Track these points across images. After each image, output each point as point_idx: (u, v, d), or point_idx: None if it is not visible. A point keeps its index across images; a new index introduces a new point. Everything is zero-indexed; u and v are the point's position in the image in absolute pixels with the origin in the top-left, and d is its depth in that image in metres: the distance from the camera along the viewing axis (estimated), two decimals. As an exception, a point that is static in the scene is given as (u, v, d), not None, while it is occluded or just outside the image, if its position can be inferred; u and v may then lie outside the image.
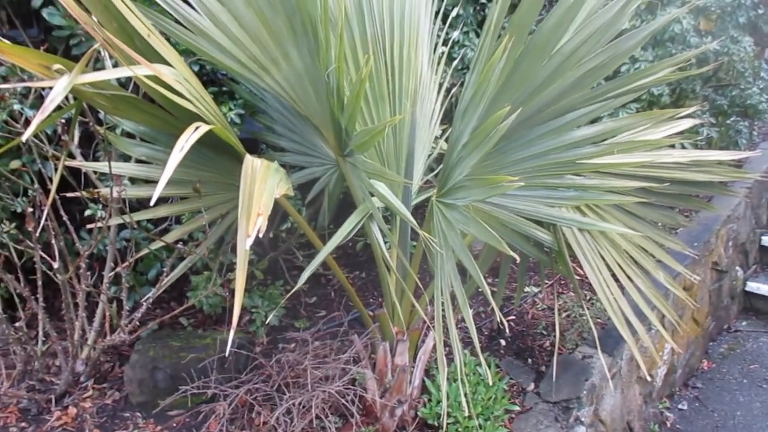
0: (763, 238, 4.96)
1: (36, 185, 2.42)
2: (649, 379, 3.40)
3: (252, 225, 1.65)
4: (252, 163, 1.92)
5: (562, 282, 3.65)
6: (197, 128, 1.70)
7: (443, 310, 2.14)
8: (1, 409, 2.63)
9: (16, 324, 2.51)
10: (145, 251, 2.56)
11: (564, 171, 2.27)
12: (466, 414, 2.51)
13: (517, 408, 2.68)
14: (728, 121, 4.53)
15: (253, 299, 2.99)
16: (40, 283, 2.61)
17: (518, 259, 2.43)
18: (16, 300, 2.58)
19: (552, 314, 3.34)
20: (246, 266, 1.73)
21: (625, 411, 3.26)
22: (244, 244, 1.63)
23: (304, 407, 2.24)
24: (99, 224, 2.41)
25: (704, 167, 2.76)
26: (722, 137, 4.50)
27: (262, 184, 1.82)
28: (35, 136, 2.52)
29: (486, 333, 3.21)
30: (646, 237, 2.74)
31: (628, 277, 2.68)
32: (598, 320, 3.25)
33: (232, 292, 2.97)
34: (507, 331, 3.20)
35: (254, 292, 3.03)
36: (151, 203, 1.69)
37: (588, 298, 3.38)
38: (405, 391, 2.57)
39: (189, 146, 1.66)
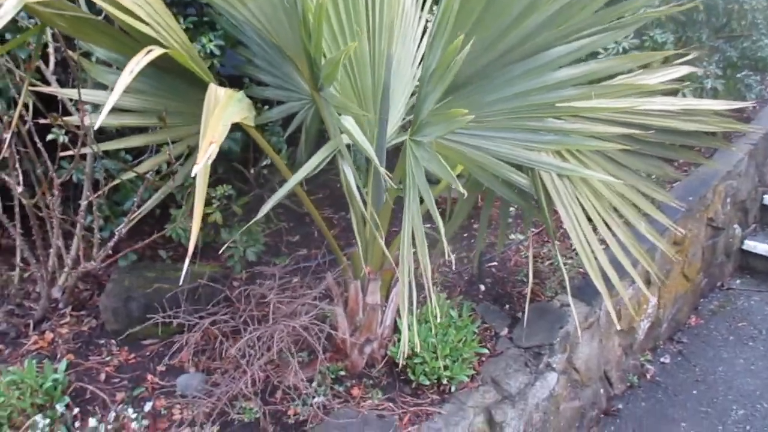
0: (765, 196, 4.85)
1: (11, 111, 2.41)
2: (622, 330, 3.38)
3: (203, 152, 1.63)
4: (215, 91, 1.88)
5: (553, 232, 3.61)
6: (149, 51, 1.66)
7: (413, 250, 2.12)
8: (-20, 332, 2.68)
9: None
10: (117, 181, 2.55)
11: (544, 114, 2.21)
12: (435, 355, 2.52)
13: (486, 351, 2.69)
14: (738, 75, 4.38)
15: (233, 234, 2.99)
16: (17, 209, 2.63)
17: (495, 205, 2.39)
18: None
19: (535, 262, 3.32)
20: (204, 194, 1.71)
21: (602, 361, 3.26)
22: (198, 171, 1.61)
23: (266, 341, 2.25)
24: (70, 152, 2.40)
25: (696, 116, 2.67)
26: (729, 91, 4.35)
27: (221, 113, 1.78)
28: (10, 60, 2.48)
29: (466, 278, 3.20)
30: (631, 187, 2.68)
31: (608, 228, 2.64)
32: (580, 270, 3.22)
33: (211, 227, 2.97)
34: (485, 277, 3.18)
35: (234, 228, 3.03)
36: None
37: (572, 247, 3.35)
38: (375, 330, 2.58)
39: (139, 69, 1.62)
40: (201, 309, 2.56)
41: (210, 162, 1.64)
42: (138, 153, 2.80)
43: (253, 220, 2.09)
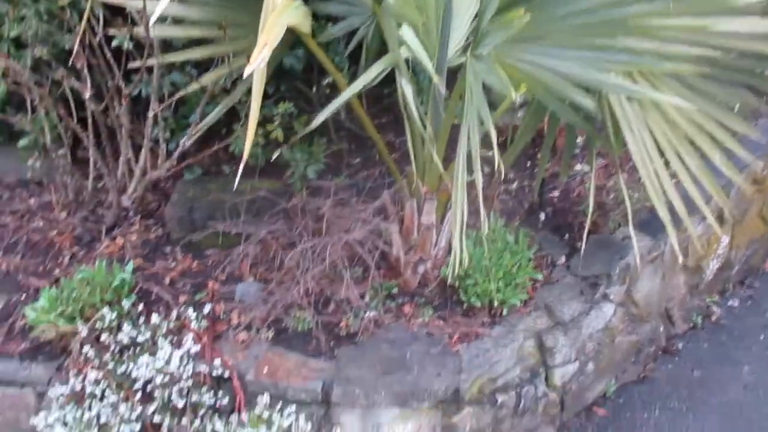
0: None
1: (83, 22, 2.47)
2: (688, 268, 3.26)
3: (258, 52, 1.63)
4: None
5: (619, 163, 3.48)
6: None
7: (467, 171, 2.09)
8: (59, 235, 2.85)
9: (60, 152, 2.66)
10: (181, 93, 2.60)
11: (615, 31, 2.10)
12: (488, 278, 2.51)
13: (541, 277, 2.66)
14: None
15: (294, 153, 3.02)
16: (90, 120, 2.74)
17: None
18: (63, 136, 2.72)
19: (600, 194, 3.21)
20: (259, 98, 1.74)
21: (664, 298, 3.17)
22: (253, 71, 1.62)
23: (320, 252, 2.30)
24: (138, 63, 2.46)
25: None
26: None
27: (277, 17, 1.77)
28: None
29: (526, 206, 3.14)
30: (707, 116, 2.52)
31: (680, 158, 2.51)
32: (647, 204, 3.09)
33: (273, 145, 3.01)
34: (546, 206, 3.12)
35: (296, 147, 3.06)
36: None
37: (640, 180, 3.22)
38: (429, 250, 2.59)
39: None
40: (259, 221, 2.63)
41: (264, 64, 1.65)
42: (205, 68, 2.84)
43: (307, 129, 2.10)
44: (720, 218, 3.40)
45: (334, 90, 3.19)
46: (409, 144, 2.51)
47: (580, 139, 3.62)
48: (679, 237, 3.12)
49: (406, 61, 2.29)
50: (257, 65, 1.59)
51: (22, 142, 2.87)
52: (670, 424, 2.85)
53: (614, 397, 2.98)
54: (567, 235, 2.98)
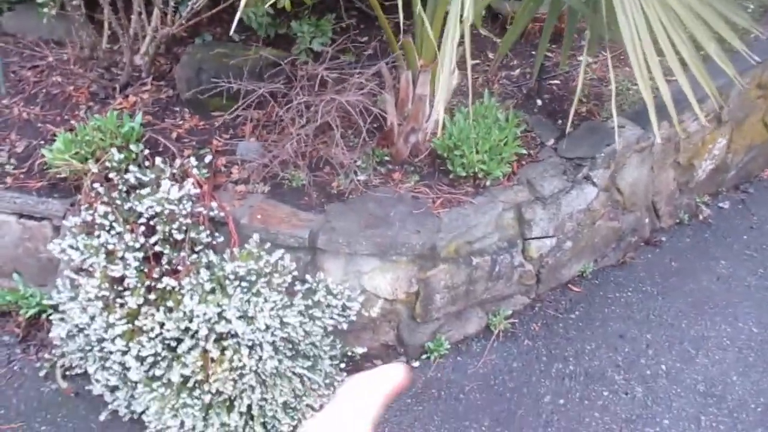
0: None
1: None
2: (679, 164, 3.34)
3: None
4: None
5: (622, 57, 3.50)
6: None
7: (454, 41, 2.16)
8: (76, 90, 3.02)
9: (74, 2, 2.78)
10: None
11: None
12: (475, 150, 2.63)
13: (525, 152, 2.78)
14: None
15: (302, 25, 3.11)
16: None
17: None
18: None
19: (599, 85, 3.27)
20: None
21: (651, 190, 3.28)
22: None
23: (314, 110, 2.43)
24: None
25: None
26: None
27: None
28: None
29: (525, 92, 3.22)
30: (710, 5, 2.52)
31: (673, 45, 2.53)
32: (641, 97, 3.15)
33: (281, 14, 3.09)
34: (545, 93, 3.19)
35: (303, 19, 3.14)
36: None
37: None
38: (421, 121, 2.71)
39: None
40: (261, 83, 2.76)
41: None
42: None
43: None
44: (718, 119, 3.45)
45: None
46: (416, 19, 2.57)
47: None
48: (670, 132, 3.21)
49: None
50: None
51: (41, -1, 2.99)
52: (640, 304, 3.04)
53: (591, 278, 3.16)
54: (560, 121, 3.07)
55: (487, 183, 2.68)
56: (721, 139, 3.54)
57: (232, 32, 3.18)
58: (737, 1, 2.62)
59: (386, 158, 2.78)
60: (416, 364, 2.71)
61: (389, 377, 0.73)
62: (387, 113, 2.73)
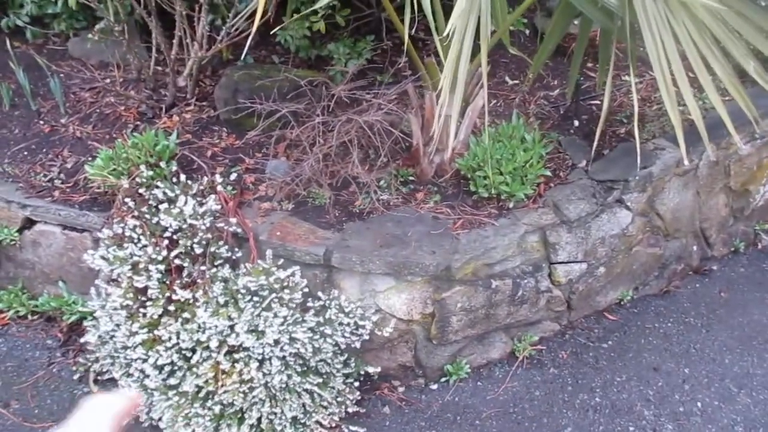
0: None
1: None
2: (731, 189, 3.15)
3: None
4: None
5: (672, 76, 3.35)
6: None
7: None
8: (126, 110, 3.20)
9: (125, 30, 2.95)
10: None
11: None
12: (499, 171, 2.59)
13: (549, 174, 2.70)
14: None
15: (338, 47, 3.18)
16: (153, 4, 3.00)
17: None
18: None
19: (643, 106, 3.15)
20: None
21: (698, 216, 3.11)
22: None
23: (338, 131, 2.48)
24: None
25: None
26: None
27: None
28: None
29: (562, 112, 3.14)
30: (742, 15, 2.38)
31: (704, 61, 2.39)
32: (689, 117, 3.00)
33: (320, 36, 3.17)
34: (582, 113, 3.10)
35: (342, 41, 3.21)
36: None
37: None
38: (445, 141, 2.70)
39: None
40: (290, 103, 2.83)
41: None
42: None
43: (310, 10, 2.23)
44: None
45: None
46: (437, 40, 2.58)
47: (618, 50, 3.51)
48: (719, 154, 3.05)
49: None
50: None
51: (99, 26, 3.21)
52: (681, 336, 2.87)
53: (629, 306, 3.03)
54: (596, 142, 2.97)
55: (510, 205, 2.63)
56: (780, 164, 3.32)
57: (272, 55, 3.32)
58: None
59: (411, 178, 2.78)
60: (434, 386, 2.67)
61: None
62: (412, 133, 2.74)
